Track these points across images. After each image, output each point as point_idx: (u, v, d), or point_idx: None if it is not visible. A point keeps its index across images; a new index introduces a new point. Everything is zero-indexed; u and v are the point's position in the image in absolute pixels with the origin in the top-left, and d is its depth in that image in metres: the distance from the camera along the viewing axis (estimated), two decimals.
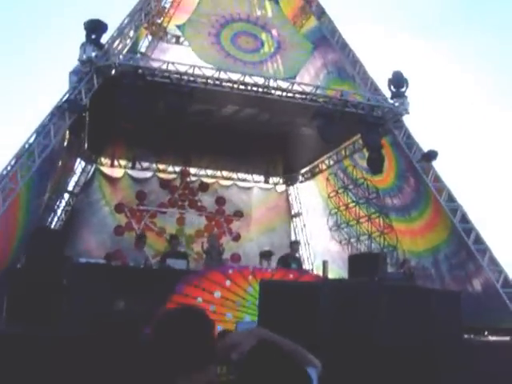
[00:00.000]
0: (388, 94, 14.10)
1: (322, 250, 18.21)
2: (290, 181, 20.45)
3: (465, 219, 12.83)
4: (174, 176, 18.88)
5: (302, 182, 20.04)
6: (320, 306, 6.84)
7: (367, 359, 6.75)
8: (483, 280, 12.53)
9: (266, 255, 12.92)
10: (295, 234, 20.24)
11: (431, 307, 7.46)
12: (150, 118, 12.87)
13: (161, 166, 18.87)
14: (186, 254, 13.75)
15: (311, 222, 19.71)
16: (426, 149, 13.57)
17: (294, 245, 14.17)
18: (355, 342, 6.73)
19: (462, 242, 12.72)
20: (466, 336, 10.21)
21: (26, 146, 11.20)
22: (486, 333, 11.89)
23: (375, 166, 14.03)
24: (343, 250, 17.12)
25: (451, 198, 13.11)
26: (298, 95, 13.31)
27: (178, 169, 18.88)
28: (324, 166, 18.05)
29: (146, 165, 18.75)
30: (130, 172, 18.53)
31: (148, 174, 18.81)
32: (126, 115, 12.19)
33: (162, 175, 18.85)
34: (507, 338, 11.69)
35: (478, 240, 12.60)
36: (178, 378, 2.15)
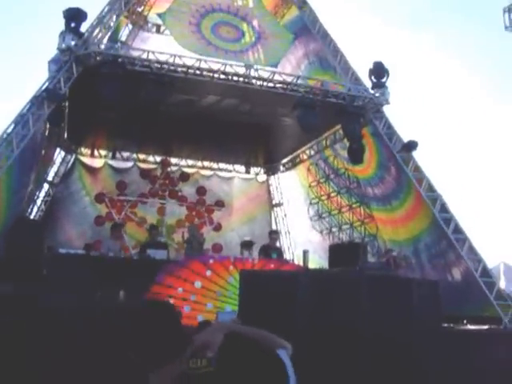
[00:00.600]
0: (369, 85, 14.13)
1: (303, 239, 18.25)
2: (271, 171, 20.46)
3: (444, 209, 12.90)
4: (154, 166, 18.83)
5: (283, 172, 20.06)
6: (299, 295, 6.87)
7: (347, 348, 6.79)
8: (463, 269, 12.62)
9: (246, 245, 12.93)
10: (276, 223, 20.28)
11: (411, 296, 7.52)
12: (130, 108, 12.80)
13: (141, 156, 18.80)
14: (166, 244, 13.74)
15: (292, 211, 19.74)
16: (406, 139, 13.61)
17: (273, 234, 14.20)
18: (335, 331, 6.77)
19: (442, 232, 12.79)
20: (445, 325, 10.31)
21: (4, 135, 11.08)
22: (465, 321, 12.01)
23: (356, 156, 14.06)
24: (324, 240, 17.16)
25: (431, 188, 13.17)
26: (278, 85, 13.29)
27: (158, 159, 18.82)
28: (305, 156, 18.07)
29: (126, 155, 18.66)
30: (110, 162, 18.45)
31: (128, 164, 18.73)
32: (106, 105, 12.10)
33: (142, 165, 18.78)
34: (485, 327, 11.82)
35: (458, 230, 12.67)
36: (149, 371, 2.17)
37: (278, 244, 14.45)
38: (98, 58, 12.12)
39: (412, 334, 7.29)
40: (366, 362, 6.78)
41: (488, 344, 9.38)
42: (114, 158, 18.43)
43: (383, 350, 7.00)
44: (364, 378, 6.83)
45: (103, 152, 18.35)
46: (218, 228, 18.66)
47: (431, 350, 7.43)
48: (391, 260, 12.69)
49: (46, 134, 13.27)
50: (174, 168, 19.02)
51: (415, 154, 13.56)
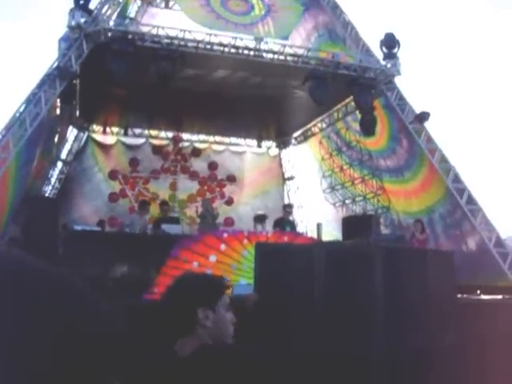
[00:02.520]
0: (380, 56, 14.05)
1: (316, 212, 18.28)
2: (282, 144, 20.44)
3: (458, 180, 12.89)
4: (166, 142, 18.87)
5: (294, 145, 20.03)
6: (315, 267, 6.91)
7: (363, 320, 6.84)
8: (477, 239, 12.65)
9: (259, 219, 12.96)
10: (288, 197, 20.32)
11: (426, 267, 7.54)
12: (141, 84, 12.81)
13: (153, 133, 18.83)
14: (178, 219, 13.82)
15: (304, 185, 19.76)
16: (418, 110, 13.56)
17: (287, 208, 14.21)
18: (349, 303, 6.82)
19: (457, 202, 12.80)
20: (459, 295, 10.35)
21: (17, 114, 11.13)
22: (478, 291, 12.05)
23: (368, 128, 14.04)
24: (337, 212, 17.20)
25: (444, 159, 13.15)
26: (289, 58, 13.25)
27: (170, 135, 18.86)
28: (317, 129, 18.03)
29: (138, 131, 18.70)
30: (122, 139, 18.50)
31: (140, 141, 18.78)
32: (117, 81, 12.12)
33: (154, 141, 18.83)
34: (499, 297, 11.86)
35: (471, 200, 12.67)
36: (173, 342, 2.23)
37: (291, 217, 14.46)
38: (107, 35, 12.12)
39: (428, 305, 7.33)
40: (383, 332, 6.83)
41: (502, 314, 9.41)
42: (126, 134, 18.47)
43: (400, 321, 7.05)
44: (379, 348, 6.89)
45: (115, 129, 18.41)
46: (229, 202, 18.74)
47: (447, 320, 7.47)
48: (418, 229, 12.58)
49: (58, 112, 13.30)
50: (185, 144, 19.05)
51: (427, 124, 13.54)
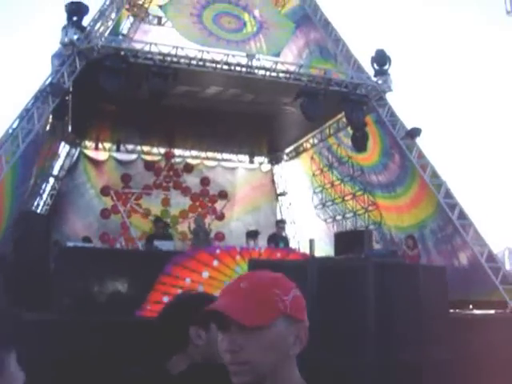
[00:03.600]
0: (371, 72, 14.15)
1: (309, 228, 18.30)
2: (274, 160, 20.49)
3: (449, 195, 12.95)
4: (158, 158, 18.88)
5: (286, 161, 20.09)
6: (307, 284, 6.92)
7: (356, 335, 6.85)
8: (468, 254, 12.69)
9: (252, 235, 12.96)
10: (281, 212, 20.33)
11: (417, 282, 7.56)
12: (133, 100, 12.84)
13: (145, 148, 18.84)
14: (171, 236, 13.81)
15: (297, 200, 19.79)
16: (409, 126, 13.64)
17: (280, 223, 14.22)
18: (342, 318, 6.83)
19: (448, 218, 12.85)
20: (451, 310, 10.36)
21: (10, 130, 11.14)
22: (471, 306, 12.08)
23: (359, 143, 14.11)
24: (328, 228, 17.24)
25: (435, 174, 13.22)
26: (281, 74, 13.32)
27: (162, 150, 18.88)
28: (308, 145, 18.10)
29: (130, 147, 18.71)
30: (114, 155, 18.50)
31: (133, 157, 18.78)
32: (110, 98, 12.15)
33: (146, 157, 18.83)
34: (492, 312, 11.89)
35: (463, 215, 12.73)
36: (165, 360, 2.24)
37: (283, 233, 14.47)
38: (100, 52, 12.17)
39: (420, 320, 7.34)
40: (374, 349, 6.84)
41: (494, 328, 9.44)
42: (118, 150, 18.47)
43: (391, 337, 7.05)
44: (371, 363, 6.89)
45: (107, 145, 18.41)
46: (221, 217, 18.75)
47: (439, 335, 7.48)
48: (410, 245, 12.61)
49: (48, 128, 13.31)
50: (178, 159, 19.07)
51: (419, 140, 13.62)
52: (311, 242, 12.30)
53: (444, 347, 7.35)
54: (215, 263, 10.31)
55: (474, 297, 12.10)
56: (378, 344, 6.93)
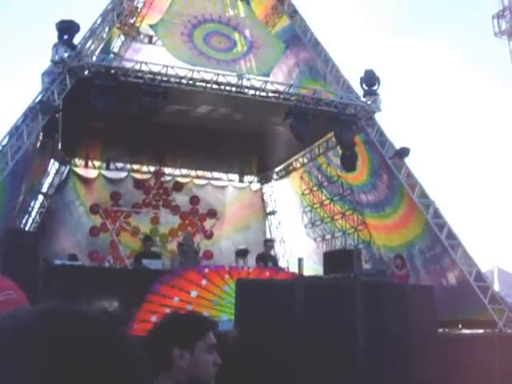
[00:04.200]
0: (360, 92, 14.24)
1: (298, 247, 18.30)
2: (264, 179, 20.53)
3: (437, 215, 13.00)
4: (148, 176, 18.86)
5: (276, 180, 20.12)
6: (296, 303, 6.92)
7: (344, 354, 6.85)
8: (457, 274, 12.71)
9: (241, 253, 12.97)
10: (270, 232, 20.34)
11: (406, 302, 7.59)
12: (123, 119, 12.87)
13: (135, 167, 18.84)
14: (159, 254, 13.78)
15: (286, 219, 19.80)
16: (398, 146, 13.72)
17: (268, 242, 14.24)
18: (329, 337, 6.82)
19: (436, 237, 12.88)
20: (440, 330, 10.38)
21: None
22: (460, 326, 12.10)
23: (349, 163, 14.17)
24: (318, 247, 17.24)
25: (424, 194, 13.27)
26: (271, 94, 13.38)
27: (152, 169, 18.87)
28: (298, 164, 18.14)
29: (120, 165, 18.70)
30: (104, 173, 18.49)
31: (122, 175, 18.77)
32: (100, 116, 12.17)
33: (136, 175, 18.82)
34: (480, 331, 11.91)
35: (451, 235, 12.77)
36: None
37: (272, 252, 14.48)
38: (91, 70, 12.20)
39: (408, 340, 7.36)
40: (362, 368, 6.84)
41: (483, 347, 9.45)
42: (107, 168, 18.46)
43: (380, 357, 7.06)
44: (360, 382, 6.89)
45: (97, 163, 18.40)
46: (210, 236, 18.71)
47: (427, 354, 7.49)
48: (399, 265, 12.64)
49: (38, 145, 13.30)
50: (167, 178, 19.07)
51: (407, 160, 13.69)
52: (300, 260, 12.29)
53: (432, 366, 7.36)
54: (204, 282, 10.30)
55: (462, 316, 12.13)
56: (366, 363, 6.93)
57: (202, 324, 2.48)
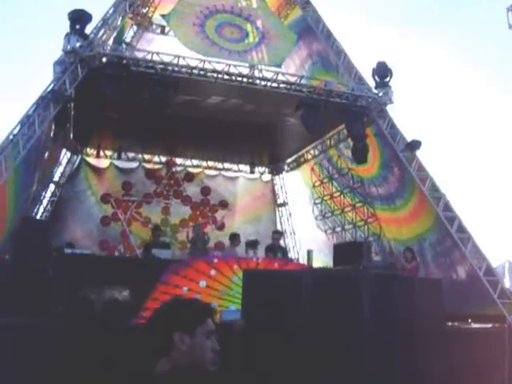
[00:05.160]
0: (372, 84, 14.18)
1: (308, 239, 18.30)
2: (275, 170, 20.54)
3: (448, 208, 12.94)
4: (159, 166, 18.96)
5: (287, 171, 20.13)
6: (302, 294, 6.93)
7: (350, 346, 6.85)
8: (467, 268, 12.66)
9: (251, 244, 12.97)
10: (281, 223, 20.36)
11: (413, 295, 7.57)
12: (135, 109, 12.89)
13: (146, 157, 18.91)
14: (168, 245, 13.82)
15: (297, 211, 19.80)
16: (409, 138, 13.66)
17: (276, 234, 14.17)
18: (336, 329, 6.82)
19: (447, 231, 12.83)
20: (449, 323, 10.35)
21: (11, 137, 11.16)
22: (469, 320, 12.06)
23: (360, 155, 14.11)
24: (328, 239, 17.24)
25: (434, 187, 13.20)
26: (282, 85, 13.36)
27: (163, 159, 18.96)
28: (309, 156, 18.13)
29: (131, 155, 18.77)
30: (115, 162, 18.57)
31: (134, 165, 18.84)
32: (111, 105, 12.21)
33: (147, 165, 18.90)
34: (489, 325, 11.87)
35: (461, 228, 12.71)
36: (150, 364, 2.27)
37: (281, 243, 14.46)
38: (102, 60, 12.23)
39: (416, 333, 7.35)
40: (368, 361, 6.84)
41: (491, 342, 9.43)
42: (119, 158, 18.53)
43: (387, 349, 7.05)
44: (367, 376, 6.89)
45: (109, 152, 18.49)
46: (221, 227, 18.75)
47: (436, 348, 7.48)
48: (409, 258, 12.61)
49: (52, 134, 13.36)
50: (178, 168, 19.14)
51: (419, 153, 13.63)
52: (309, 252, 12.35)
53: (440, 360, 7.35)
54: (212, 272, 10.32)
55: (471, 310, 12.08)
56: (374, 355, 6.93)
57: (203, 310, 2.51)
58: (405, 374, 6.99)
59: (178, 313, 2.41)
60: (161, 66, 12.35)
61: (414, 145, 13.52)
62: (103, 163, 18.45)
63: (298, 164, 19.17)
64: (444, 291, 8.39)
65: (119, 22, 14.39)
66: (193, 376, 2.30)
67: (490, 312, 12.06)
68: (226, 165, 20.03)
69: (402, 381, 6.98)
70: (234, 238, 13.24)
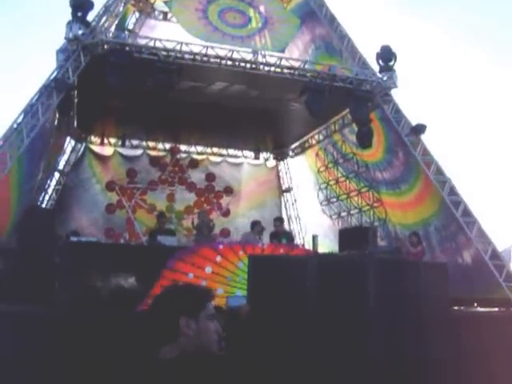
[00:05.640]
0: (376, 68, 14.12)
1: (313, 224, 18.30)
2: (280, 156, 20.49)
3: (453, 192, 12.91)
4: (163, 153, 18.93)
5: (292, 157, 20.08)
6: (308, 279, 6.93)
7: (356, 330, 6.86)
8: (473, 252, 12.66)
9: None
10: (286, 209, 20.34)
11: (419, 279, 7.56)
12: (138, 96, 12.86)
13: (151, 144, 18.88)
14: (174, 232, 13.82)
15: (302, 196, 19.79)
16: (414, 122, 13.61)
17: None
18: (343, 315, 6.83)
19: (452, 215, 12.81)
20: (455, 308, 10.36)
21: (15, 125, 11.17)
22: (475, 304, 12.06)
23: (364, 140, 14.07)
24: (334, 225, 17.24)
25: (440, 171, 13.18)
26: (286, 70, 13.32)
27: (167, 146, 18.92)
28: (314, 141, 18.09)
29: (135, 142, 18.75)
30: (120, 150, 18.55)
31: (138, 152, 18.81)
32: (114, 93, 12.18)
33: (152, 153, 18.88)
34: (496, 309, 11.88)
35: (467, 212, 12.69)
36: (155, 351, 2.27)
37: (287, 229, 14.42)
38: (105, 47, 12.20)
39: (421, 317, 7.35)
40: (374, 345, 6.85)
41: (498, 326, 9.42)
42: (123, 145, 18.51)
43: (392, 333, 7.06)
44: (372, 360, 6.90)
45: (113, 140, 18.47)
46: (226, 214, 18.77)
47: (440, 332, 7.48)
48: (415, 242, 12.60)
49: (56, 123, 13.36)
50: (183, 155, 19.12)
51: (423, 137, 13.59)
52: (314, 238, 12.34)
53: (446, 344, 7.35)
54: (218, 259, 10.34)
55: (477, 294, 12.08)
56: (379, 339, 6.95)
57: (203, 293, 2.52)
58: (410, 358, 7.00)
59: (181, 298, 2.41)
60: (164, 53, 12.32)
61: (419, 129, 13.48)
62: (107, 151, 18.43)
63: (302, 149, 19.13)
64: (450, 276, 8.38)
65: (121, 9, 14.37)
66: (202, 361, 2.30)
67: (496, 296, 12.07)
68: (231, 151, 19.98)
69: (410, 367, 6.99)
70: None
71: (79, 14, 11.90)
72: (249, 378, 2.33)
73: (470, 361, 7.81)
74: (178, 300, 2.39)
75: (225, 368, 2.43)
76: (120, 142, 18.47)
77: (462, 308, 11.37)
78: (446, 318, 7.69)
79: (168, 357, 2.26)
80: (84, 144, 17.95)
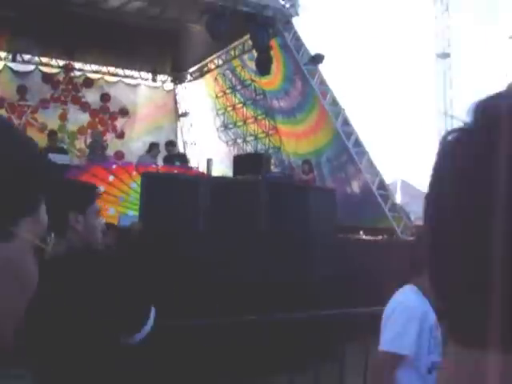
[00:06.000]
0: None
1: (209, 149, 18.31)
2: (178, 79, 20.19)
3: (346, 122, 13.22)
4: (57, 70, 18.18)
5: (190, 81, 19.84)
6: (200, 199, 6.99)
7: (245, 250, 7.01)
8: (361, 182, 13.11)
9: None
10: (182, 133, 20.21)
11: (308, 202, 7.78)
12: (31, 6, 12.23)
13: (44, 60, 18.05)
14: (65, 150, 13.46)
15: (199, 121, 19.69)
16: (313, 52, 13.72)
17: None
18: (233, 235, 6.95)
19: (344, 146, 13.15)
20: (341, 235, 10.76)
21: None
22: (361, 232, 12.59)
23: (263, 67, 14.06)
24: (230, 151, 17.32)
25: (335, 102, 13.43)
26: None
27: (61, 63, 18.16)
28: (213, 66, 17.93)
29: (27, 57, 17.87)
30: (10, 65, 17.63)
31: (30, 68, 17.97)
32: (5, 1, 11.54)
33: (44, 69, 18.08)
34: (379, 237, 12.45)
35: (358, 143, 13.07)
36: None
37: (180, 152, 14.32)
38: None
39: (308, 238, 7.60)
40: (264, 260, 7.03)
41: (381, 252, 9.88)
42: (14, 60, 17.61)
43: (281, 253, 7.25)
44: (263, 271, 7.09)
45: (3, 54, 17.48)
46: (121, 136, 18.46)
47: (327, 254, 7.77)
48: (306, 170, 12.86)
49: None
50: (77, 73, 18.44)
51: (321, 67, 13.74)
52: (209, 161, 12.39)
53: (330, 264, 7.66)
54: (111, 178, 10.24)
55: (364, 223, 12.59)
56: (268, 257, 7.14)
57: (91, 189, 2.53)
58: (297, 277, 7.23)
59: (71, 192, 2.39)
60: None
61: (317, 58, 13.62)
62: None
63: (201, 74, 18.92)
64: (338, 205, 8.68)
65: None
66: (90, 257, 2.31)
67: (382, 225, 12.64)
68: (127, 72, 19.45)
69: (291, 286, 7.22)
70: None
71: None
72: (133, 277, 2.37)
73: (354, 279, 8.18)
74: (68, 194, 2.37)
75: (111, 267, 2.45)
76: (10, 56, 17.56)
77: (348, 236, 11.83)
78: (332, 239, 7.99)
79: (55, 253, 2.25)
80: None
